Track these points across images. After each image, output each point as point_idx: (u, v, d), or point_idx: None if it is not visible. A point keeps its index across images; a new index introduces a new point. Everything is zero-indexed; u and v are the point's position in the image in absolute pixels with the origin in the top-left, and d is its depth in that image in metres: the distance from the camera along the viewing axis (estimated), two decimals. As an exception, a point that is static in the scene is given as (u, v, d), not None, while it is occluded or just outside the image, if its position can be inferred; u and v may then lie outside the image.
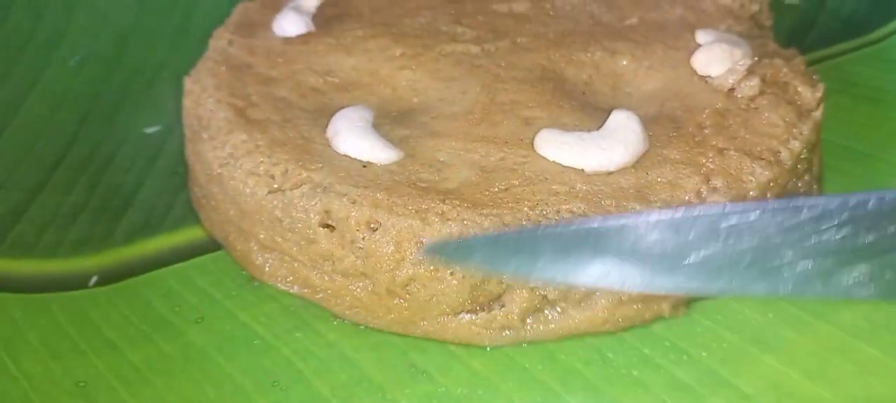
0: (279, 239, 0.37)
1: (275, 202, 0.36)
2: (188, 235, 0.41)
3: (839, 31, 0.53)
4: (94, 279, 0.39)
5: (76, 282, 0.38)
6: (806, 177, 0.40)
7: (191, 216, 0.42)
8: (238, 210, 0.38)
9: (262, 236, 0.37)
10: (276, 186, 0.36)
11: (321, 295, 0.37)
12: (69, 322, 0.36)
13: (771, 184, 0.37)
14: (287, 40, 0.45)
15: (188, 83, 0.43)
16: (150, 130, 0.47)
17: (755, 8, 0.48)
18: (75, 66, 0.49)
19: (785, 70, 0.42)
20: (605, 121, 0.38)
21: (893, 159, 0.44)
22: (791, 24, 0.54)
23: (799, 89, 0.41)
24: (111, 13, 0.53)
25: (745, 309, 0.36)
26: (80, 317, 0.37)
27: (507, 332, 0.35)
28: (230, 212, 0.38)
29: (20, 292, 0.37)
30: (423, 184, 0.36)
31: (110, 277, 0.39)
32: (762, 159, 0.37)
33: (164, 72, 0.52)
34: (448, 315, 0.35)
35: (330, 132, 0.38)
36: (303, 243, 0.36)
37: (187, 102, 0.42)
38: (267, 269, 0.38)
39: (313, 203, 0.35)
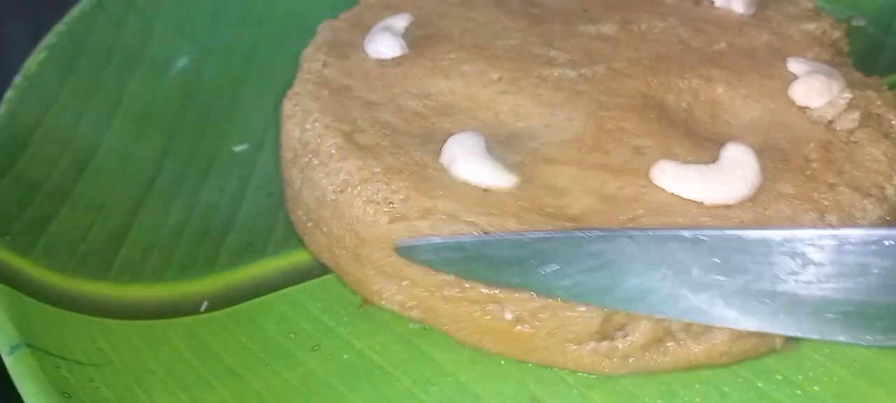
0: (401, 266, 0.37)
1: (399, 230, 0.37)
2: (293, 259, 0.41)
3: (909, 56, 0.54)
4: (205, 304, 0.39)
5: (188, 308, 0.39)
6: (905, 209, 0.41)
7: (293, 239, 0.42)
8: (355, 236, 0.38)
9: (381, 262, 0.38)
10: (399, 215, 0.37)
11: (443, 320, 0.37)
12: (189, 349, 0.36)
13: (880, 220, 0.37)
14: (382, 62, 0.45)
15: (288, 106, 0.43)
16: (238, 148, 0.47)
17: (837, 34, 0.49)
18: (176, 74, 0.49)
19: (878, 102, 0.43)
20: (717, 153, 0.38)
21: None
22: (860, 47, 0.55)
23: (893, 122, 0.42)
24: (187, 27, 0.53)
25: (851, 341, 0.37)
26: (198, 344, 0.37)
27: (629, 360, 0.36)
28: (345, 238, 0.39)
29: (136, 318, 0.37)
30: (549, 209, 0.36)
31: (220, 302, 0.39)
32: (871, 196, 0.38)
33: (242, 88, 0.52)
34: (572, 343, 0.36)
35: (445, 158, 0.38)
36: (429, 270, 0.36)
37: (289, 126, 0.42)
38: (385, 294, 0.38)
39: (442, 231, 0.36)
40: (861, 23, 0.57)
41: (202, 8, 0.54)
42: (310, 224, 0.41)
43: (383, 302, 0.38)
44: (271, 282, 0.40)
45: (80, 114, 0.45)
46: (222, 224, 0.43)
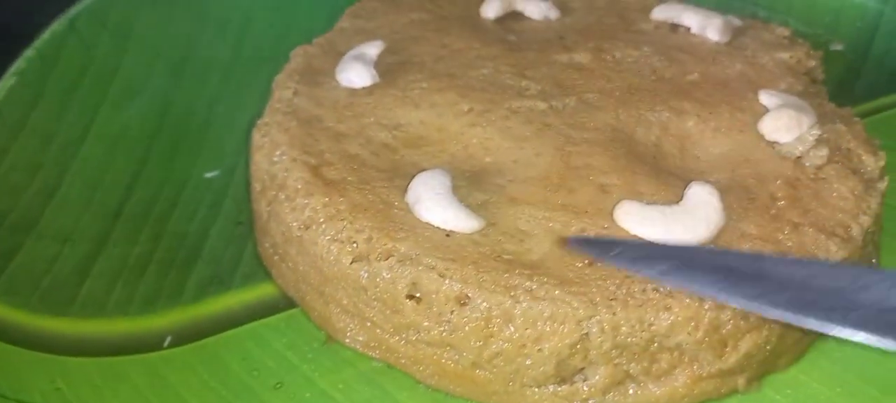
0: (362, 306, 0.37)
1: (360, 271, 0.36)
2: (260, 292, 0.41)
3: (886, 82, 0.54)
4: (168, 339, 0.39)
5: (151, 343, 0.38)
6: (870, 248, 0.40)
7: (260, 271, 0.42)
8: (319, 274, 0.38)
9: (344, 301, 0.37)
10: (360, 255, 0.37)
11: (404, 362, 0.37)
12: (150, 388, 0.36)
13: (844, 261, 0.37)
14: (352, 92, 0.45)
15: (257, 137, 0.43)
16: (209, 175, 0.47)
17: (812, 64, 0.49)
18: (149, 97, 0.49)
19: (847, 136, 0.43)
20: (682, 192, 0.38)
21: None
22: (837, 72, 0.55)
23: (862, 157, 0.42)
24: (162, 48, 0.53)
25: (813, 383, 0.37)
26: (159, 382, 0.37)
27: (590, 402, 0.36)
28: (310, 275, 0.39)
29: (97, 356, 0.37)
30: (508, 256, 0.36)
31: (184, 337, 0.39)
32: (836, 236, 0.38)
33: (216, 111, 0.51)
34: (531, 386, 0.36)
35: (411, 198, 0.38)
36: (388, 312, 0.36)
37: (257, 157, 0.42)
38: (348, 333, 0.38)
39: (401, 274, 0.36)
40: (839, 47, 0.57)
41: (177, 29, 0.54)
42: (276, 257, 0.41)
43: (347, 341, 0.38)
44: (237, 316, 0.40)
45: (49, 140, 0.45)
46: (190, 254, 0.43)
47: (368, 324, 0.37)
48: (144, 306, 0.40)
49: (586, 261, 0.36)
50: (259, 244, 0.43)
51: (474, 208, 0.38)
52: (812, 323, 0.26)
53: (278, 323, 0.40)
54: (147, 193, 0.45)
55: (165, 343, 0.38)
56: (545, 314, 0.34)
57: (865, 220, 0.39)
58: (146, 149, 0.48)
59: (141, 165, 0.47)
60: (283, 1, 0.58)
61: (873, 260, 0.42)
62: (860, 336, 0.26)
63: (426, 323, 0.36)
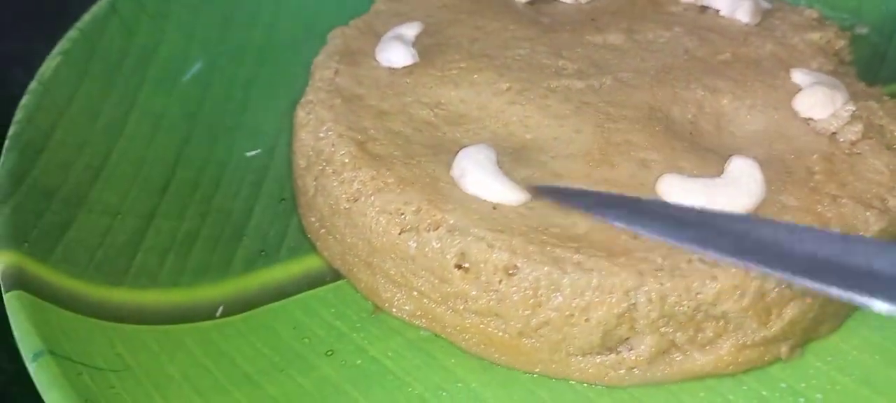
0: (410, 276, 0.38)
1: (408, 241, 0.37)
2: (306, 264, 0.42)
3: (912, 65, 0.55)
4: (220, 309, 0.40)
5: (204, 313, 0.39)
6: (906, 220, 0.41)
7: (305, 244, 0.43)
8: (367, 245, 0.39)
9: (392, 272, 0.38)
10: (408, 226, 0.37)
11: (450, 331, 0.38)
12: (205, 355, 0.37)
13: (882, 232, 0.38)
14: (393, 71, 0.46)
15: (301, 114, 0.44)
16: (250, 154, 0.48)
17: (841, 44, 0.50)
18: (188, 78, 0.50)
19: (880, 113, 0.44)
20: (722, 165, 0.39)
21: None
22: (862, 55, 0.56)
23: (895, 133, 0.43)
24: (198, 31, 0.53)
25: (854, 351, 0.38)
26: (214, 350, 0.38)
27: (635, 372, 0.37)
28: (357, 246, 0.39)
29: (153, 324, 0.38)
30: (555, 229, 0.37)
31: (235, 307, 0.40)
32: (873, 208, 0.39)
33: (252, 92, 0.52)
34: (576, 356, 0.37)
35: (456, 172, 0.39)
36: (436, 281, 0.37)
37: (302, 134, 0.43)
38: (395, 303, 0.39)
39: (450, 244, 0.37)
40: (864, 31, 0.58)
41: (212, 12, 0.55)
42: (323, 230, 0.42)
43: (394, 311, 0.39)
44: (285, 288, 0.41)
45: (95, 117, 0.46)
46: (235, 229, 0.44)
47: (416, 294, 0.38)
48: (195, 277, 0.41)
49: (632, 234, 0.37)
50: (304, 218, 0.44)
51: (519, 182, 0.39)
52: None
53: (326, 294, 0.41)
54: (191, 171, 0.46)
55: (217, 313, 0.39)
56: (593, 284, 0.35)
57: (901, 194, 0.40)
58: (187, 129, 0.49)
59: (183, 144, 0.48)
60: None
61: (906, 235, 0.43)
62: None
63: (474, 292, 0.36)
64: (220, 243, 0.43)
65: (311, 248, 0.43)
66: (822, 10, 0.59)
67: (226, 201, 0.45)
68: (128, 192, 0.44)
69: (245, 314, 0.39)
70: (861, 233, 0.38)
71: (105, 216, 0.42)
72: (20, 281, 0.35)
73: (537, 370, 0.37)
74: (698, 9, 0.51)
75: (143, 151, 0.46)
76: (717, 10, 0.51)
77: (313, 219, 0.42)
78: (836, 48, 0.50)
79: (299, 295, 0.40)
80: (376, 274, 0.39)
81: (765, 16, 0.51)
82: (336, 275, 0.41)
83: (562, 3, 0.53)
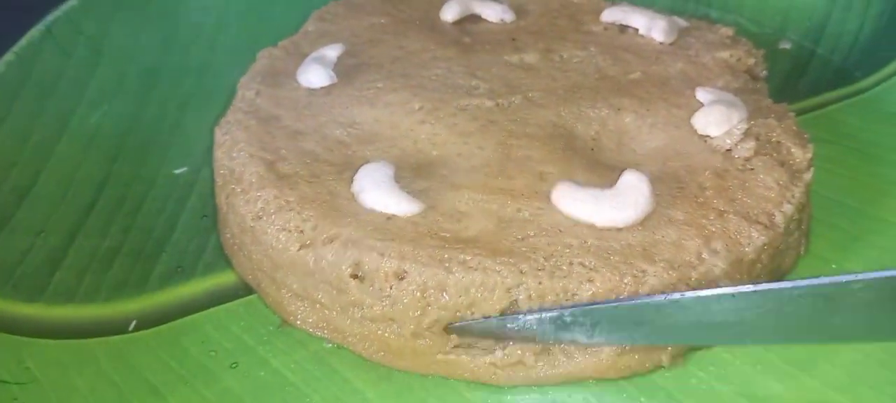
0: (311, 289, 0.40)
1: (306, 256, 0.39)
2: (220, 279, 0.44)
3: (830, 80, 0.56)
4: (133, 324, 0.41)
5: (117, 327, 0.41)
6: (796, 235, 0.43)
7: (221, 260, 0.45)
8: (270, 261, 0.40)
9: (294, 286, 0.40)
10: (307, 242, 0.39)
11: (351, 339, 0.39)
12: (113, 368, 0.39)
13: (766, 246, 0.40)
14: (311, 91, 0.47)
15: (219, 134, 0.45)
16: (178, 171, 0.50)
17: (751, 61, 0.51)
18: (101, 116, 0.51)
19: (778, 130, 0.45)
20: (615, 179, 0.41)
21: (880, 215, 0.46)
22: (783, 69, 0.57)
23: (791, 150, 0.44)
24: (136, 52, 0.55)
25: (736, 361, 0.40)
26: (123, 363, 0.39)
27: (519, 372, 0.38)
28: (263, 262, 0.41)
29: (65, 338, 0.40)
30: (444, 234, 0.38)
31: (148, 322, 0.41)
32: (759, 223, 0.40)
33: (188, 111, 0.54)
34: (464, 353, 0.38)
35: (355, 188, 0.41)
36: (334, 293, 0.39)
37: (218, 153, 0.45)
38: (299, 315, 0.40)
39: (344, 256, 0.38)
40: (787, 45, 0.59)
41: (151, 35, 0.57)
42: (235, 247, 0.43)
43: (298, 323, 0.40)
44: (199, 302, 0.42)
45: (25, 139, 0.48)
46: (156, 245, 0.45)
47: (317, 306, 0.40)
48: (112, 293, 0.42)
49: (519, 236, 0.38)
50: (220, 235, 0.45)
51: (416, 194, 0.40)
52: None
53: (237, 308, 0.42)
54: (118, 189, 0.48)
55: (130, 328, 0.41)
56: (477, 282, 0.37)
57: (788, 208, 0.41)
58: (118, 147, 0.50)
59: (113, 163, 0.49)
60: (255, 4, 0.61)
61: (801, 247, 0.44)
62: None
63: (369, 300, 0.38)
64: (140, 259, 0.45)
65: (227, 264, 0.44)
66: (748, 25, 0.61)
67: (149, 218, 0.47)
68: (53, 212, 0.46)
69: (157, 328, 0.41)
70: (745, 247, 0.39)
71: (27, 235, 0.44)
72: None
73: (432, 371, 0.39)
74: (618, 28, 0.53)
75: (72, 171, 0.48)
76: (636, 29, 0.53)
77: (227, 236, 0.44)
78: (748, 65, 0.51)
79: (211, 310, 0.42)
80: (281, 289, 0.41)
81: (681, 34, 0.52)
82: (248, 290, 0.43)
83: (487, 22, 0.54)
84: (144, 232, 0.46)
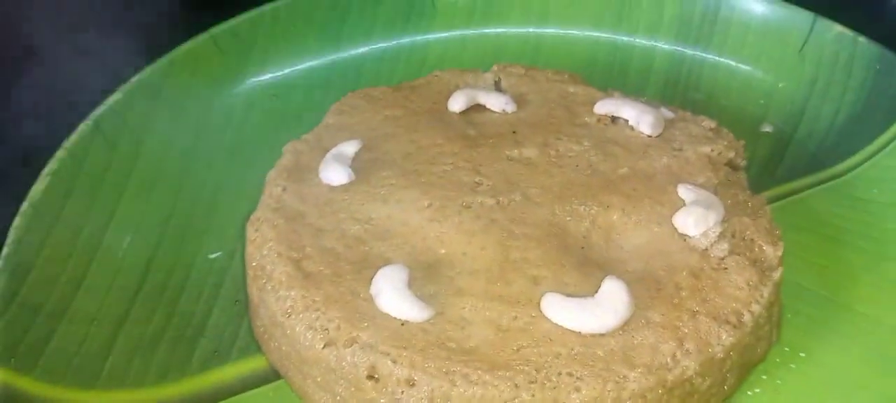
0: (332, 383, 0.45)
1: (329, 355, 0.44)
2: (252, 364, 0.49)
3: (805, 165, 0.61)
4: (177, 409, 0.47)
5: (163, 412, 0.47)
6: (766, 328, 0.48)
7: (253, 345, 0.50)
8: (298, 355, 0.46)
9: (318, 378, 0.46)
10: (330, 341, 0.45)
11: (367, 430, 0.45)
12: (162, 449, 0.45)
13: (734, 345, 0.45)
14: (332, 189, 0.53)
15: (250, 231, 0.51)
16: (212, 256, 0.56)
17: (731, 154, 0.56)
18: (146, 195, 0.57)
19: (752, 228, 0.50)
20: (600, 283, 0.46)
21: (849, 303, 0.51)
22: (763, 155, 0.62)
23: (763, 247, 0.49)
24: (174, 140, 0.61)
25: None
26: (169, 445, 0.45)
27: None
28: (291, 354, 0.47)
29: (118, 424, 0.46)
30: (451, 344, 0.44)
31: (191, 405, 0.47)
32: (728, 323, 0.45)
33: (220, 194, 0.60)
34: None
35: (373, 290, 0.46)
36: (352, 389, 0.44)
37: (250, 248, 0.50)
38: (322, 404, 0.46)
39: (362, 359, 0.44)
40: (769, 129, 0.64)
41: (187, 121, 0.62)
42: (266, 335, 0.49)
43: (322, 411, 0.46)
44: (233, 387, 0.48)
45: (78, 232, 0.54)
46: (195, 330, 0.51)
47: (338, 398, 0.45)
48: (158, 378, 0.48)
49: (515, 348, 0.44)
50: (252, 322, 0.51)
51: (426, 298, 0.46)
52: None
53: (267, 392, 0.48)
54: (160, 275, 0.54)
55: (175, 412, 0.47)
56: (477, 395, 0.42)
57: (756, 308, 0.46)
58: (160, 234, 0.56)
59: (155, 249, 0.55)
60: (279, 90, 0.67)
61: (772, 336, 0.49)
62: None
63: (383, 400, 0.44)
64: (182, 343, 0.50)
65: (258, 349, 0.50)
66: (735, 105, 0.66)
67: (189, 303, 0.53)
68: (104, 300, 0.51)
69: (197, 412, 0.47)
70: (714, 347, 0.44)
71: (83, 324, 0.49)
72: (5, 398, 0.43)
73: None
74: (610, 119, 0.58)
75: (119, 259, 0.54)
76: (626, 120, 0.58)
77: (258, 324, 0.50)
78: (728, 158, 0.56)
79: (245, 394, 0.48)
80: (307, 379, 0.46)
81: (667, 126, 0.57)
82: (277, 375, 0.49)
83: (491, 112, 0.60)
84: (185, 317, 0.52)
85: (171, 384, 0.48)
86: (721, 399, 0.46)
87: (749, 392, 0.47)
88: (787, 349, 0.49)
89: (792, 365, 0.49)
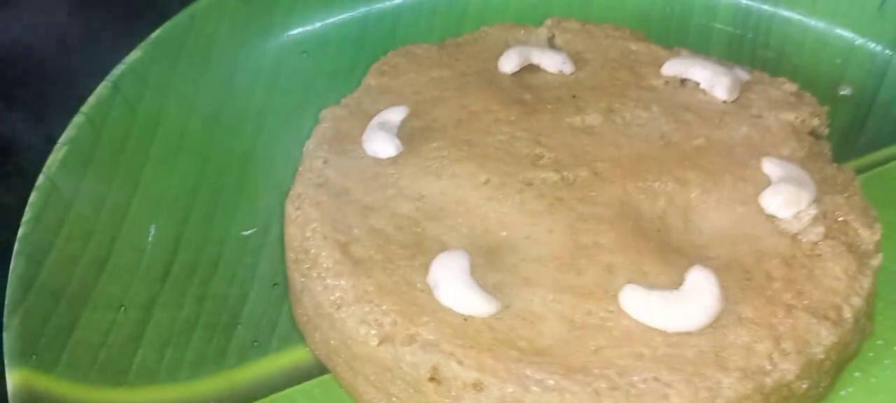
0: (387, 383, 0.41)
1: (385, 353, 0.40)
2: (294, 356, 0.45)
3: (889, 132, 0.56)
4: (214, 406, 0.43)
5: (199, 410, 0.43)
6: (862, 321, 0.43)
7: (294, 335, 0.46)
8: (348, 350, 0.42)
9: (371, 377, 0.41)
10: (386, 338, 0.40)
11: (428, 436, 0.41)
12: (200, 454, 0.41)
13: (835, 344, 0.40)
14: (378, 161, 0.48)
15: (290, 209, 0.46)
16: (245, 233, 0.51)
17: (816, 123, 0.51)
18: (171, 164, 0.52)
19: (845, 208, 0.45)
20: (685, 270, 0.41)
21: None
22: (844, 119, 0.57)
23: (859, 231, 0.45)
24: (198, 101, 0.56)
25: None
26: (208, 449, 0.41)
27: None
28: (340, 349, 0.42)
29: (152, 425, 0.42)
30: (521, 343, 0.39)
31: (228, 402, 0.43)
32: (827, 319, 0.40)
33: (249, 162, 0.55)
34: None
35: (431, 280, 0.41)
36: (411, 391, 0.40)
37: (291, 229, 0.46)
38: (375, 403, 0.42)
39: (423, 359, 0.39)
40: (847, 92, 0.59)
41: (211, 80, 0.57)
42: (310, 325, 0.45)
43: (375, 410, 0.42)
44: (274, 382, 0.44)
45: (100, 206, 0.49)
46: (231, 317, 0.47)
47: (394, 399, 0.41)
48: (192, 372, 0.44)
49: (592, 348, 0.39)
50: (293, 308, 0.46)
51: (490, 289, 0.41)
52: None
53: (312, 389, 0.44)
54: (190, 254, 0.49)
55: (212, 409, 0.43)
56: (553, 402, 0.38)
57: (857, 301, 0.42)
58: (187, 208, 0.51)
59: (183, 225, 0.50)
60: (310, 46, 0.61)
61: (866, 330, 0.45)
62: None
63: (446, 403, 0.39)
64: (217, 332, 0.46)
65: (300, 339, 0.46)
66: (808, 64, 0.60)
67: (222, 286, 0.48)
68: (130, 282, 0.47)
69: (238, 410, 0.43)
70: (814, 348, 0.40)
71: (109, 311, 0.45)
72: (28, 401, 0.38)
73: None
74: (679, 82, 0.53)
75: (144, 237, 0.49)
76: (697, 83, 0.52)
77: (301, 313, 0.45)
78: (812, 127, 0.51)
79: (287, 391, 0.44)
80: (358, 376, 0.42)
81: (743, 89, 0.52)
82: (322, 369, 0.44)
83: (545, 73, 0.54)
84: (218, 301, 0.47)
85: (207, 378, 0.44)
86: (815, 401, 0.42)
87: (842, 392, 0.43)
88: (880, 342, 0.45)
89: (886, 361, 0.44)
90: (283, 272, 0.48)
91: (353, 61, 0.60)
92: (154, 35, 0.57)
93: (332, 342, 0.43)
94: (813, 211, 0.44)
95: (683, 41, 0.62)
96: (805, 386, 0.40)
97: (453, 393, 0.39)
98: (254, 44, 0.60)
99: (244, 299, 0.48)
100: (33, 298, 0.43)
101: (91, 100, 0.52)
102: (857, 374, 0.44)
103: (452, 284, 0.41)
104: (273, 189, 0.52)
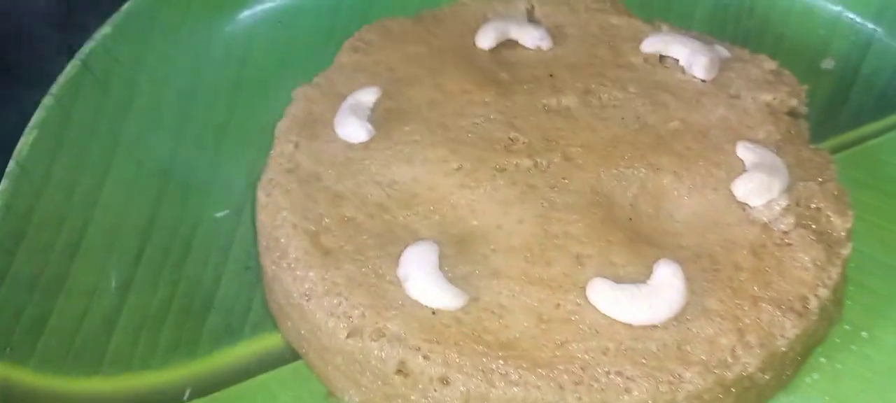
0: (356, 373, 0.41)
1: (354, 346, 0.40)
2: (267, 343, 0.45)
3: (872, 106, 0.55)
4: (187, 392, 0.43)
5: (173, 396, 0.43)
6: (830, 309, 0.43)
7: (268, 320, 0.46)
8: (318, 341, 0.42)
9: (341, 367, 0.42)
10: (355, 331, 0.40)
11: (397, 426, 0.41)
12: (173, 443, 0.41)
13: (799, 336, 0.41)
14: (349, 146, 0.47)
15: (261, 196, 0.46)
16: (219, 215, 0.51)
17: (794, 103, 0.50)
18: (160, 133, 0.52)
19: (818, 194, 0.45)
20: (653, 261, 0.41)
21: (918, 276, 0.47)
22: (825, 94, 0.56)
23: (831, 218, 0.44)
24: (171, 77, 0.55)
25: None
26: (182, 436, 0.42)
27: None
28: (310, 339, 0.43)
29: (126, 411, 0.42)
30: (488, 337, 0.40)
31: (202, 389, 0.43)
32: (793, 311, 0.41)
33: (223, 140, 0.54)
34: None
35: (401, 273, 0.41)
36: (379, 382, 0.41)
37: (262, 216, 0.46)
38: (346, 392, 0.42)
39: (390, 354, 0.40)
40: (830, 65, 0.58)
41: (184, 56, 0.56)
42: (281, 313, 0.45)
43: (345, 399, 0.42)
44: (248, 368, 0.44)
45: (71, 191, 0.48)
46: (204, 301, 0.47)
47: (363, 389, 0.41)
48: (165, 358, 0.44)
49: (559, 341, 0.39)
50: (267, 294, 0.47)
51: (459, 281, 0.41)
52: None
53: (285, 375, 0.44)
54: (163, 237, 0.49)
55: (185, 396, 0.43)
56: (518, 397, 0.38)
57: (824, 292, 0.42)
58: (159, 189, 0.51)
59: (156, 207, 0.50)
60: (284, 16, 0.60)
61: (834, 316, 0.45)
62: None
63: (413, 396, 0.40)
64: (190, 317, 0.46)
65: (273, 325, 0.46)
66: (793, 35, 0.59)
67: (195, 268, 0.48)
68: (103, 267, 0.47)
69: (210, 397, 0.43)
70: (777, 340, 0.40)
71: (82, 298, 0.45)
72: (3, 397, 0.39)
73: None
74: (658, 59, 0.52)
75: (117, 219, 0.49)
76: (676, 60, 0.52)
77: (273, 301, 0.46)
78: (790, 106, 0.50)
79: (260, 377, 0.44)
80: (328, 365, 0.42)
81: (722, 67, 0.51)
82: (295, 355, 0.45)
83: (524, 50, 0.54)
84: (192, 284, 0.47)
85: (180, 364, 0.44)
86: (779, 389, 0.43)
87: (807, 379, 0.43)
88: (847, 327, 0.45)
89: (853, 347, 0.45)
90: (255, 256, 0.48)
91: (328, 32, 0.59)
92: (125, 8, 0.55)
93: (303, 331, 0.43)
94: (784, 202, 0.44)
95: (668, 6, 0.61)
96: (768, 377, 0.40)
97: (420, 387, 0.39)
98: (227, 15, 0.59)
99: (217, 283, 0.48)
100: (5, 291, 0.43)
101: (61, 80, 0.51)
102: (823, 360, 0.44)
103: (421, 278, 0.41)
104: (246, 168, 0.52)
